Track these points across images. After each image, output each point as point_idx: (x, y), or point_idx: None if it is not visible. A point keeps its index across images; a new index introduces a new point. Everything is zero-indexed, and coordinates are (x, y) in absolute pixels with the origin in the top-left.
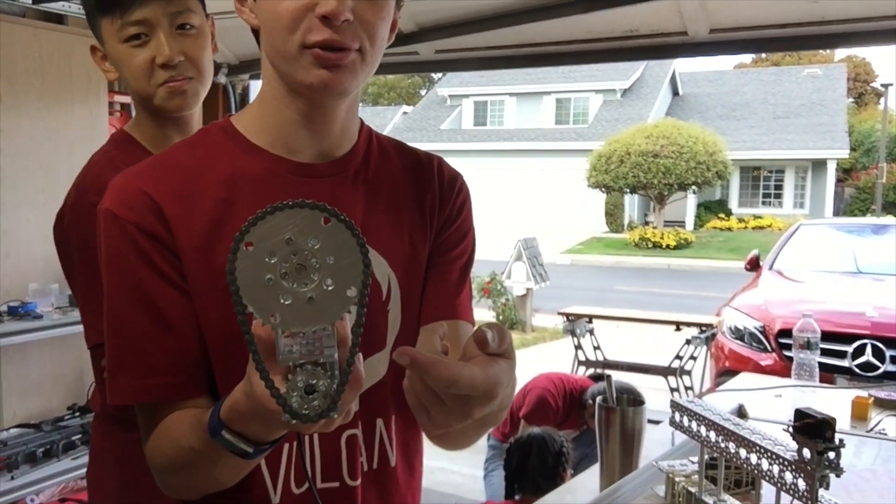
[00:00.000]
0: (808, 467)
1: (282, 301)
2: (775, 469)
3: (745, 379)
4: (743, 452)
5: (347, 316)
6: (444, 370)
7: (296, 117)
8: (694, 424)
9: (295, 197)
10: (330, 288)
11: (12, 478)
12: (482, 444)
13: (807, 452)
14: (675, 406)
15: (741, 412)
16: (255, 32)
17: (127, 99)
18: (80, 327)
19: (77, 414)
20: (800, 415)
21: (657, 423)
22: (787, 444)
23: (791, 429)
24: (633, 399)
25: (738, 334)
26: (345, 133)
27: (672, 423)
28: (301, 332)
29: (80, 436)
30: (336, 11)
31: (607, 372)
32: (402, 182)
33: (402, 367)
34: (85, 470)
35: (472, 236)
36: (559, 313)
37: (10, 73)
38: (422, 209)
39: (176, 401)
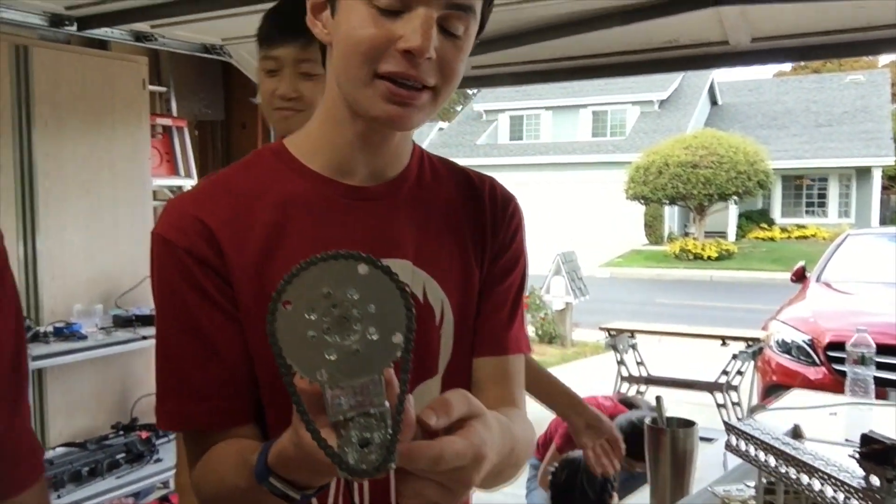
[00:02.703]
0: (877, 496)
1: (327, 356)
2: (840, 497)
3: (797, 396)
4: (804, 478)
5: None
6: (426, 451)
7: (353, 140)
8: (752, 448)
9: (346, 221)
10: (374, 337)
11: (59, 496)
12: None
13: (875, 480)
14: (731, 429)
15: (797, 432)
16: (323, 48)
17: (168, 121)
18: (123, 347)
19: (121, 433)
20: (866, 440)
21: (709, 440)
22: (852, 470)
23: (857, 454)
24: (684, 420)
25: (786, 348)
26: (398, 154)
27: (728, 447)
28: (349, 385)
29: (123, 454)
30: (421, 48)
31: (656, 392)
32: (454, 204)
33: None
34: (128, 488)
35: (524, 260)
36: (601, 328)
37: (54, 97)
38: (475, 232)
39: (222, 428)
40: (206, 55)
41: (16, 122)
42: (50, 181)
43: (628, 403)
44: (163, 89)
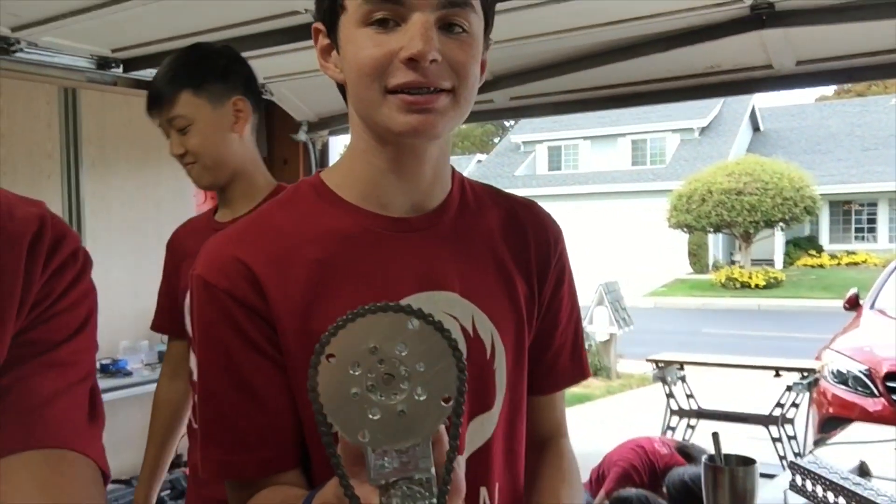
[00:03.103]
0: None
1: (370, 416)
2: None
3: (858, 429)
4: None
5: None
6: None
7: (385, 167)
8: (819, 489)
9: (391, 255)
10: (422, 398)
11: None
12: None
13: None
14: (795, 468)
15: (863, 470)
16: (342, 88)
17: None
18: None
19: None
20: None
21: (769, 477)
22: None
23: None
24: (743, 457)
25: (842, 378)
26: (437, 181)
27: (793, 487)
28: (393, 448)
29: (168, 491)
30: (422, 52)
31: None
32: (498, 233)
33: (511, 429)
34: None
35: (574, 286)
36: (648, 360)
37: (100, 138)
38: (520, 261)
39: (265, 476)
40: None
41: (64, 163)
42: (97, 220)
43: (685, 453)
44: None
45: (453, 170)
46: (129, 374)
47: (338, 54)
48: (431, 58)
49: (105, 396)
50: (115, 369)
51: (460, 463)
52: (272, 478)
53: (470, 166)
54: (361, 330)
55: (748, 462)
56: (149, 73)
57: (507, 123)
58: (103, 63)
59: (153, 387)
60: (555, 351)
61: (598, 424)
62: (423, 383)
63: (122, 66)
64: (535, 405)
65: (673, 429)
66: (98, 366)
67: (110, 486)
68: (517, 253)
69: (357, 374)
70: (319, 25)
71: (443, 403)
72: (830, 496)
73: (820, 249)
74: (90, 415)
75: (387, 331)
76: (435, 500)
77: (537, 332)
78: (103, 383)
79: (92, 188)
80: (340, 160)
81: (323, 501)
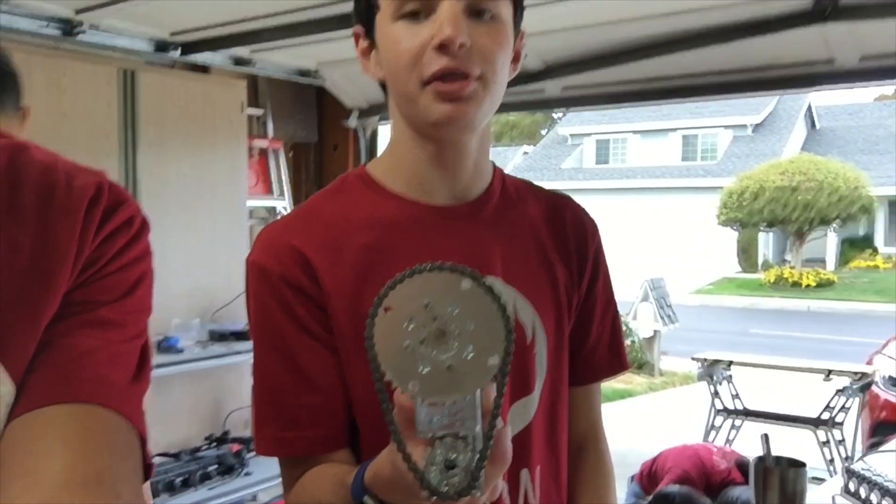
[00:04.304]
0: None
1: (420, 369)
2: None
3: None
4: None
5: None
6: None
7: (427, 158)
8: (875, 496)
9: (437, 239)
10: (470, 356)
11: None
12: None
13: None
14: (851, 473)
15: None
16: (383, 86)
17: (265, 143)
18: (218, 361)
19: (213, 445)
20: None
21: (818, 481)
22: None
23: None
24: (793, 460)
25: (895, 383)
26: (478, 172)
27: (847, 491)
28: (440, 402)
29: (215, 466)
30: (451, 37)
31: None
32: (538, 224)
33: (552, 414)
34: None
35: (610, 282)
36: (693, 358)
37: (159, 119)
38: (560, 253)
39: (317, 454)
40: (301, 79)
41: (122, 143)
42: (153, 199)
43: (746, 470)
44: (260, 112)
45: (493, 164)
46: (180, 351)
47: (376, 53)
48: (460, 41)
49: (155, 373)
50: (166, 346)
51: (507, 434)
52: (323, 456)
53: (516, 158)
54: (417, 286)
55: (798, 465)
56: (206, 57)
57: (555, 115)
58: (162, 46)
59: (203, 364)
60: (592, 342)
61: (639, 421)
62: (473, 342)
63: (179, 50)
64: (573, 397)
65: (717, 428)
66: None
67: (159, 460)
68: (557, 242)
69: (410, 328)
70: (359, 28)
71: (490, 362)
72: (886, 503)
73: (875, 251)
74: (135, 376)
75: (441, 289)
76: (478, 455)
77: (576, 322)
78: (155, 360)
79: (148, 168)
80: (384, 153)
81: (376, 469)
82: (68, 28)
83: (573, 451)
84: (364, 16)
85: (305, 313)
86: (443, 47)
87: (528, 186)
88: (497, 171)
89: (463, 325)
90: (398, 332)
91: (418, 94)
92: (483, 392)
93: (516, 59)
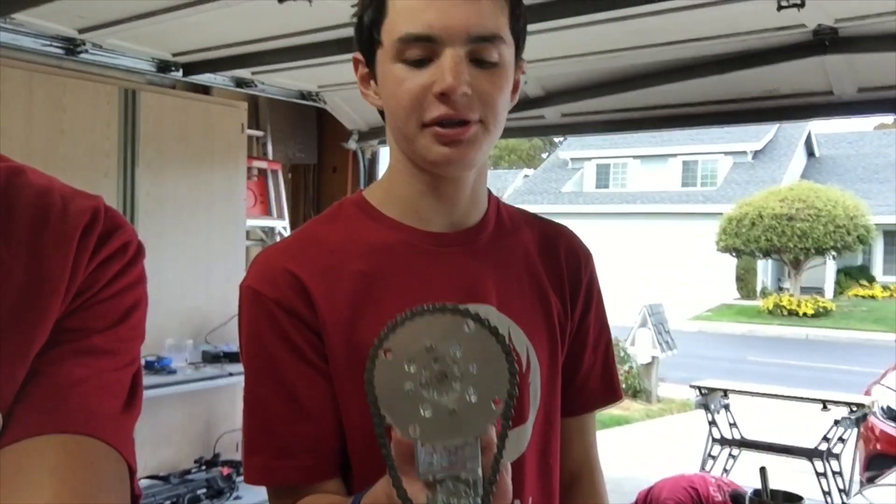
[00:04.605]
0: None
1: (421, 412)
2: None
3: None
4: None
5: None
6: None
7: (424, 189)
8: None
9: (432, 266)
10: (473, 399)
11: None
12: None
13: None
14: None
15: None
16: (381, 112)
17: (264, 164)
18: (211, 383)
19: (203, 467)
20: None
21: None
22: None
23: None
24: (790, 493)
25: (892, 415)
26: (474, 202)
27: None
28: (442, 445)
29: (205, 489)
30: (452, 87)
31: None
32: (532, 253)
33: (545, 444)
34: None
35: (604, 311)
36: (692, 386)
37: (158, 139)
38: (554, 282)
39: (309, 484)
40: (301, 101)
41: (121, 162)
42: (150, 219)
43: (740, 502)
44: (260, 133)
45: (489, 192)
46: (172, 371)
47: (375, 84)
48: (462, 92)
49: (147, 393)
50: (159, 367)
51: (507, 468)
52: (314, 486)
53: (516, 181)
54: (419, 328)
55: (795, 499)
56: (207, 78)
57: (556, 139)
58: (163, 66)
59: (196, 385)
60: (584, 372)
61: (636, 448)
62: (475, 384)
63: (181, 70)
64: (567, 428)
65: (714, 457)
66: (143, 362)
67: (147, 482)
68: (551, 272)
69: (412, 370)
70: (359, 56)
71: (493, 406)
72: None
73: (872, 280)
74: (125, 405)
75: (443, 331)
76: (480, 500)
77: (569, 351)
78: (147, 380)
79: (146, 188)
80: (381, 180)
81: (373, 499)
82: (71, 47)
83: (567, 481)
84: (365, 47)
85: (301, 339)
86: (444, 96)
87: (522, 215)
88: (493, 199)
89: (465, 367)
90: (399, 375)
91: (417, 135)
92: (486, 435)
93: (515, 88)
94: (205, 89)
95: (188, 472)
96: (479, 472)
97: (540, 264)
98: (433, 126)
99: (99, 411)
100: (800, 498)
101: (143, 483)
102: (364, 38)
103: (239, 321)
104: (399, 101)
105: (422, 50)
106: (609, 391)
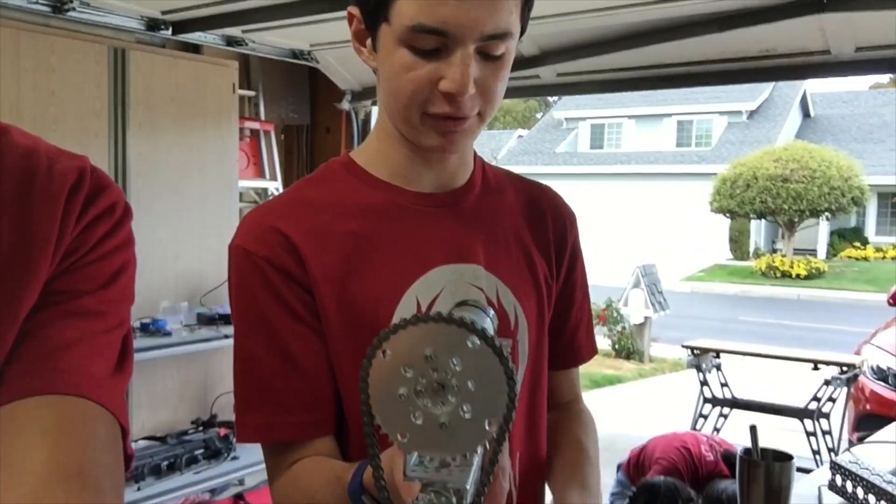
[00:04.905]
0: None
1: (413, 419)
2: None
3: None
4: None
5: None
6: None
7: (412, 155)
8: (860, 491)
9: (421, 226)
10: (466, 416)
11: (138, 489)
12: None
13: None
14: (836, 468)
15: None
16: (376, 70)
17: (256, 125)
18: (206, 345)
19: (200, 428)
20: None
21: (805, 471)
22: None
23: None
24: (779, 452)
25: (882, 375)
26: (461, 163)
27: (832, 487)
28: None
29: (202, 450)
30: (460, 90)
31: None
32: (517, 213)
33: (533, 401)
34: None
35: (585, 270)
36: (684, 346)
37: (148, 99)
38: (539, 242)
39: (305, 440)
40: (293, 60)
41: (112, 123)
42: (142, 180)
43: (733, 463)
44: (252, 93)
45: (475, 153)
46: (168, 334)
47: (373, 49)
48: (468, 94)
49: (143, 356)
50: (154, 329)
51: (505, 468)
52: (310, 442)
53: (510, 141)
54: (421, 334)
55: (785, 458)
56: (197, 37)
57: (550, 99)
58: (153, 25)
59: (190, 348)
60: (572, 327)
61: (628, 407)
62: (472, 402)
63: (171, 29)
64: (556, 378)
65: (705, 416)
66: (138, 325)
67: (145, 443)
68: (536, 233)
69: (408, 375)
70: (356, 11)
71: (486, 426)
72: (872, 498)
73: (865, 241)
74: (116, 366)
75: (446, 342)
76: None
77: (556, 309)
78: (142, 342)
79: (137, 149)
80: (368, 141)
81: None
82: (58, 5)
83: (554, 410)
84: (369, 16)
85: (292, 297)
86: (449, 95)
87: (507, 176)
88: (478, 160)
89: (464, 382)
90: (394, 379)
91: (416, 121)
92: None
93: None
94: (195, 48)
95: (185, 433)
96: (467, 486)
97: (525, 225)
98: (434, 118)
99: (90, 373)
100: (790, 456)
101: (140, 444)
102: (371, 7)
103: (229, 281)
104: (403, 88)
105: (432, 42)
106: (591, 346)
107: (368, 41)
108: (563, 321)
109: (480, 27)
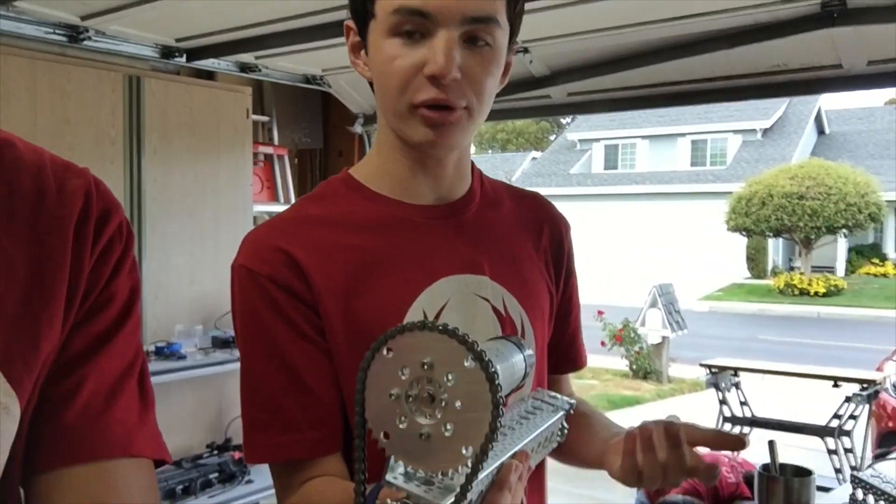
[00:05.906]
0: None
1: (397, 422)
2: None
3: None
4: None
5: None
6: None
7: (411, 164)
8: None
9: (425, 238)
10: (447, 434)
11: None
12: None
13: None
14: (857, 482)
15: None
16: (371, 83)
17: (270, 150)
18: (220, 368)
19: (215, 452)
20: None
21: (825, 490)
22: None
23: None
24: (799, 468)
25: None
26: (459, 175)
27: (853, 501)
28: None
29: (217, 474)
30: (443, 71)
31: (760, 435)
32: (516, 224)
33: None
34: None
35: (576, 277)
36: (701, 364)
37: (163, 125)
38: (538, 250)
39: (314, 458)
40: (306, 85)
41: (127, 149)
42: (157, 205)
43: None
44: (265, 118)
45: (473, 164)
46: (182, 357)
47: (366, 54)
48: (452, 77)
49: (158, 379)
50: (168, 352)
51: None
52: (318, 461)
53: (524, 163)
54: (425, 342)
55: (804, 473)
56: (211, 63)
57: (563, 121)
58: (167, 52)
59: (205, 371)
60: (571, 333)
61: None
62: (454, 422)
63: (185, 56)
64: (555, 384)
65: None
66: (153, 348)
67: (160, 468)
68: (536, 242)
69: (403, 378)
70: (351, 24)
71: (463, 451)
72: None
73: (884, 258)
74: (141, 402)
75: (445, 355)
76: None
77: (556, 316)
78: (157, 366)
79: (153, 175)
80: (368, 156)
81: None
82: (74, 34)
83: None
84: (358, 17)
85: (297, 315)
86: (434, 79)
87: (503, 186)
88: (476, 172)
89: (452, 399)
90: (390, 376)
91: (406, 115)
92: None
93: (506, 71)
94: (209, 75)
95: (200, 456)
96: (448, 501)
97: (523, 235)
98: (421, 108)
99: (127, 425)
100: (809, 472)
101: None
102: (358, 8)
103: (232, 301)
104: (389, 79)
105: (415, 24)
106: (584, 353)
107: (362, 51)
108: (564, 326)
109: (461, 10)
